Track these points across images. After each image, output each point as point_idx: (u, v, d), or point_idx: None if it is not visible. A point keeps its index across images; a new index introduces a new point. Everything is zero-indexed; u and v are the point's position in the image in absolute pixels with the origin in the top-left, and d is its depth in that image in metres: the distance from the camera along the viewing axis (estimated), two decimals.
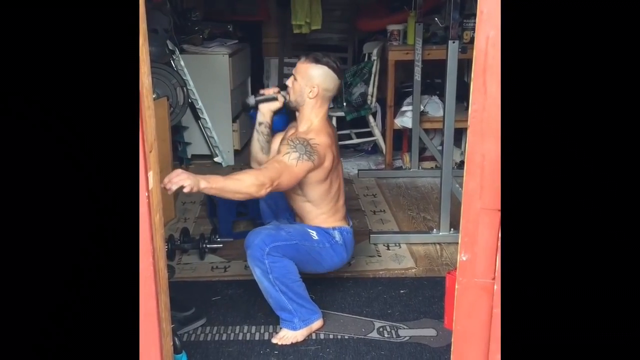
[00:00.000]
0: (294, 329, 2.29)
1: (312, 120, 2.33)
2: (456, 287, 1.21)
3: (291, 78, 2.35)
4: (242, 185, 2.04)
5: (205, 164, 4.47)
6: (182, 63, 4.28)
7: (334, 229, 2.39)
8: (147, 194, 1.33)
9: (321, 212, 2.38)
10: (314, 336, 2.32)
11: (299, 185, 2.27)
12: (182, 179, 1.92)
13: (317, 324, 2.35)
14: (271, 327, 2.39)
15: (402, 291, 2.66)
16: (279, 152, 2.21)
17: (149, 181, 1.34)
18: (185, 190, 1.93)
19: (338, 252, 2.40)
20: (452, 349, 1.25)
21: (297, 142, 2.19)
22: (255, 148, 2.53)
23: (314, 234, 2.33)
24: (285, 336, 2.29)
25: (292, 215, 2.57)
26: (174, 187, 1.92)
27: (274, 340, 2.29)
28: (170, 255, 2.91)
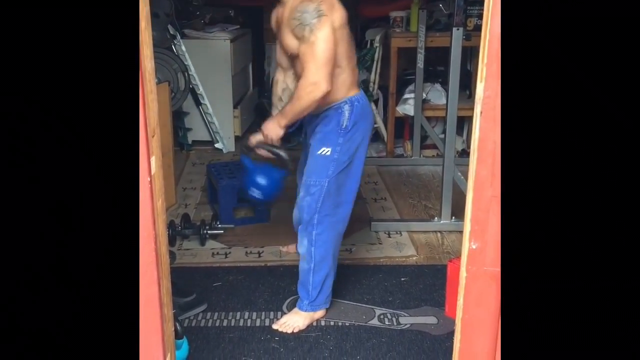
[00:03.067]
0: (301, 309, 2.32)
1: None
2: (465, 275, 1.20)
3: None
4: (306, 97, 2.01)
5: (206, 150, 4.46)
6: (183, 48, 4.25)
7: (346, 102, 2.19)
8: (149, 179, 1.31)
9: (346, 76, 2.17)
10: (314, 323, 2.33)
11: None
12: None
13: (320, 313, 2.36)
14: (272, 313, 2.39)
15: (402, 279, 2.66)
16: (299, 38, 2.06)
17: (152, 166, 1.33)
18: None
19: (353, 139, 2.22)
20: (459, 338, 1.24)
21: (299, 14, 2.04)
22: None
23: (326, 151, 2.18)
24: (287, 323, 2.29)
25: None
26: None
27: (274, 327, 2.29)
28: (171, 241, 2.91)
